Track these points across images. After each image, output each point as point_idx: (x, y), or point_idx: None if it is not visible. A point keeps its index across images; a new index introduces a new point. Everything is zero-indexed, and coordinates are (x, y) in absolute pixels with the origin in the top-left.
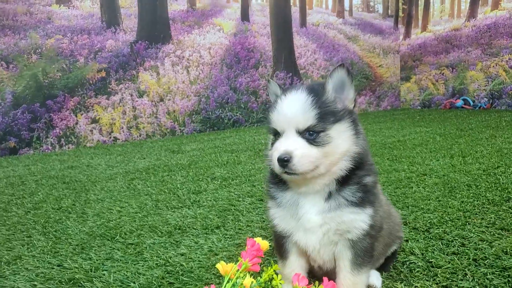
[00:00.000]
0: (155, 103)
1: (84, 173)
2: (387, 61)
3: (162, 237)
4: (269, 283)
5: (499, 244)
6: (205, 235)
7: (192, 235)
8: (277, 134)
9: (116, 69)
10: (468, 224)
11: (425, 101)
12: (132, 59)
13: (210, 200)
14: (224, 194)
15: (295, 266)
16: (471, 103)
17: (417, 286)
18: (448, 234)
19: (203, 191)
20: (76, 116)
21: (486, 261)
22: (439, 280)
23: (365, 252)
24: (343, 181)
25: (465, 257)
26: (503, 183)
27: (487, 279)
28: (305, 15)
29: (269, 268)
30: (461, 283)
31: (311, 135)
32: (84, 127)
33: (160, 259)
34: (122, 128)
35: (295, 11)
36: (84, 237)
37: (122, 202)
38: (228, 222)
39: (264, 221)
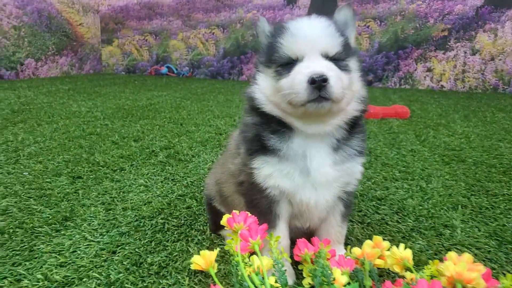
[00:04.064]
0: (485, 61)
1: None
2: (87, 20)
3: None
4: None
5: None
6: None
7: None
8: (287, 65)
9: (457, 30)
10: None
11: (129, 67)
12: (474, 22)
13: None
14: None
15: (283, 234)
16: (175, 71)
17: None
18: None
19: None
20: (416, 64)
21: None
22: None
23: (352, 203)
24: (350, 128)
25: None
26: None
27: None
28: None
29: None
30: None
31: (335, 61)
32: (420, 73)
33: None
34: (450, 78)
35: None
36: None
37: None
38: None
39: None
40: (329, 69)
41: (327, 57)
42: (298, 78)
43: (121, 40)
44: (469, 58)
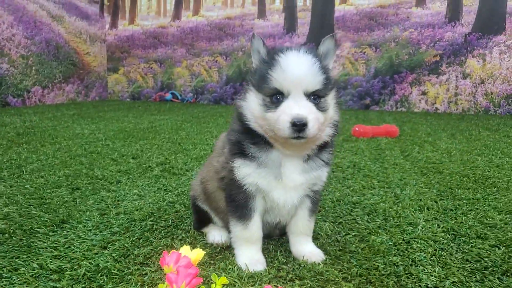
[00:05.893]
0: (476, 85)
1: None
2: (94, 49)
3: None
4: None
5: None
6: None
7: None
8: (275, 95)
9: (448, 55)
10: None
11: (134, 93)
12: (464, 48)
13: None
14: None
15: (257, 226)
16: (179, 97)
17: None
18: None
19: None
20: (411, 88)
21: None
22: None
23: (318, 201)
24: (323, 146)
25: None
26: None
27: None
28: None
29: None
30: None
31: (315, 99)
32: (415, 96)
33: None
34: (443, 101)
35: None
36: None
37: None
38: None
39: None
40: (309, 112)
41: (308, 94)
42: (283, 118)
43: (127, 68)
44: (460, 81)
